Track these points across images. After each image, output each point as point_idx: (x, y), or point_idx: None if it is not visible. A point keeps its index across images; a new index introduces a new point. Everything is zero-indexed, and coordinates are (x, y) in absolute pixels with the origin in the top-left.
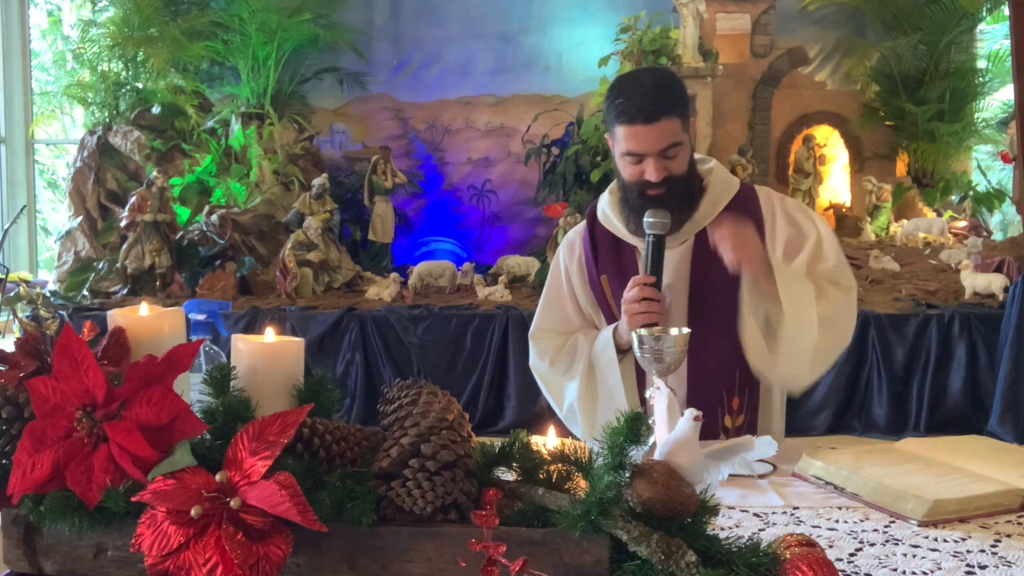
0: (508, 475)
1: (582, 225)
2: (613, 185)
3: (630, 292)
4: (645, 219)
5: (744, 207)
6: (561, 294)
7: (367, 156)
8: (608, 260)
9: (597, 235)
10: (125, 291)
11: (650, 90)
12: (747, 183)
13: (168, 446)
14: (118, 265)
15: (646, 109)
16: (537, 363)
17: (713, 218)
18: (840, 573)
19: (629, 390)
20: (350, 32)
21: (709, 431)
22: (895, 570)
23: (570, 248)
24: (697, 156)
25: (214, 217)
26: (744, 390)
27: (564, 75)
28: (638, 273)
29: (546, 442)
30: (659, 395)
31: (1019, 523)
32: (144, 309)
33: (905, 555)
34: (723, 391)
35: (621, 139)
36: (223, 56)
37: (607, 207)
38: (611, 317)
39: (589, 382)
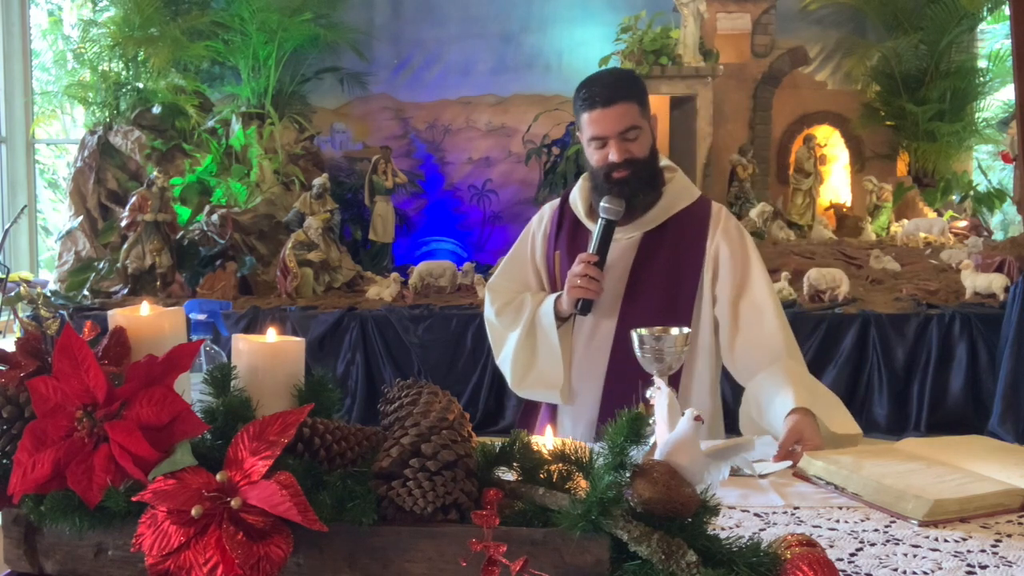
0: (508, 475)
1: (557, 201)
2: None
3: (576, 267)
4: (601, 204)
5: (693, 215)
6: (524, 257)
7: (367, 156)
8: (565, 239)
9: (565, 214)
10: (126, 291)
11: (609, 80)
12: (707, 197)
13: (169, 446)
14: (119, 265)
15: (605, 95)
16: (489, 312)
17: (660, 222)
18: (841, 573)
19: (565, 352)
20: (351, 32)
21: None
22: (896, 570)
23: (540, 218)
24: (665, 162)
25: (215, 217)
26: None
27: (564, 75)
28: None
29: (546, 442)
30: (659, 395)
31: (1020, 523)
32: (144, 309)
33: (906, 555)
34: (640, 381)
35: (586, 126)
36: (223, 56)
37: (577, 190)
38: (555, 290)
39: (528, 338)
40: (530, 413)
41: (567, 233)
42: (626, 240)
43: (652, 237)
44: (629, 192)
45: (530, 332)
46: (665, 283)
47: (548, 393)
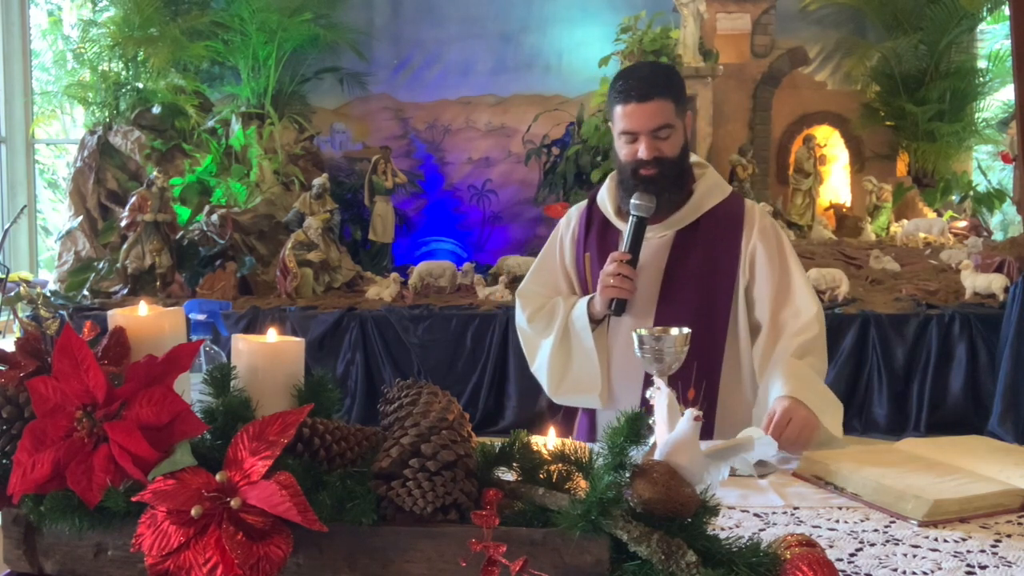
0: (508, 475)
1: (584, 203)
2: (615, 171)
3: (608, 267)
4: (632, 201)
5: (726, 212)
6: (553, 261)
7: (367, 156)
8: (595, 240)
9: (593, 215)
10: (125, 291)
11: (647, 74)
12: (739, 193)
13: (168, 446)
14: (118, 265)
15: (641, 89)
16: (520, 319)
17: (693, 220)
18: (840, 573)
19: (600, 355)
20: (350, 32)
21: None
22: (895, 570)
23: (567, 221)
24: (695, 159)
25: (214, 217)
26: (700, 382)
27: (564, 75)
28: None
29: (546, 442)
30: (659, 395)
31: (1019, 523)
32: (144, 309)
33: (905, 555)
34: (679, 380)
35: (618, 119)
36: (223, 56)
37: (605, 190)
38: (587, 292)
39: (563, 343)
40: (569, 418)
41: (596, 234)
42: (658, 239)
43: (685, 235)
44: (656, 190)
45: (564, 337)
46: (701, 282)
47: (586, 398)
